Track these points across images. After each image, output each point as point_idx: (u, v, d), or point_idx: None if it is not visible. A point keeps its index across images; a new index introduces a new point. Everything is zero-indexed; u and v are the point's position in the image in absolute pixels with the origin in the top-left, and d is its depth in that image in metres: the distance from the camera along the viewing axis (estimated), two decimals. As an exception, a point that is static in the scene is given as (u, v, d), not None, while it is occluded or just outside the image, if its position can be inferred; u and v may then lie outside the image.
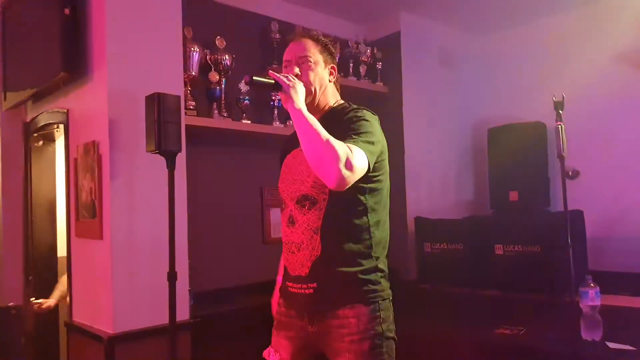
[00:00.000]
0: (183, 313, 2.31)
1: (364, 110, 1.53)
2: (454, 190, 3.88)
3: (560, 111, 2.09)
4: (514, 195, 3.42)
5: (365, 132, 1.43)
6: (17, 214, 2.92)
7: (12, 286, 2.92)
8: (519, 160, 3.47)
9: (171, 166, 2.08)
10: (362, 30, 3.72)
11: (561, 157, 2.07)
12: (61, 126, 2.61)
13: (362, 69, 3.52)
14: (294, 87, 1.44)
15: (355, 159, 1.34)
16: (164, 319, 2.07)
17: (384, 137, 1.53)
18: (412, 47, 3.65)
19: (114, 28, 2.25)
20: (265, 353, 1.62)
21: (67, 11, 2.27)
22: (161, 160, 2.08)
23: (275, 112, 3.07)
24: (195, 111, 2.67)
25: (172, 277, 2.05)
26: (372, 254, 1.50)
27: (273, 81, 1.45)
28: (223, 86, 2.82)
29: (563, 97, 2.12)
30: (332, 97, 1.62)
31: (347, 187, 1.35)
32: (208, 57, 2.78)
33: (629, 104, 3.35)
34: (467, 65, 4.02)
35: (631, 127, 3.36)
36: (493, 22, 3.82)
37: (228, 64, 2.81)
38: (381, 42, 3.68)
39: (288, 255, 1.56)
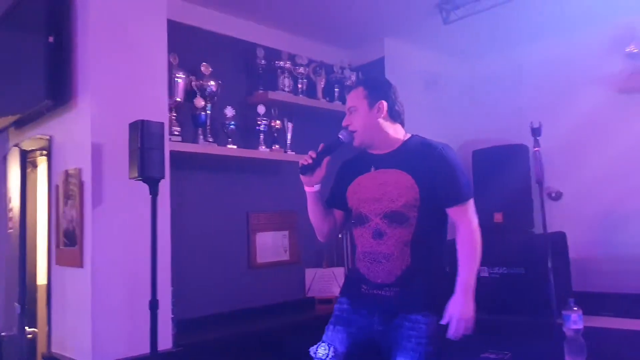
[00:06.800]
0: (166, 342, 2.27)
1: (444, 148, 1.77)
2: (439, 213, 3.90)
3: (538, 137, 2.13)
4: (498, 217, 3.44)
5: (460, 175, 1.75)
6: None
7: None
8: (502, 182, 3.51)
9: (154, 192, 2.07)
10: (347, 55, 3.78)
11: (540, 183, 2.10)
12: (44, 153, 2.60)
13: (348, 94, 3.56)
14: None
15: (478, 226, 1.76)
16: (146, 348, 2.03)
17: None
18: (396, 72, 3.69)
19: (98, 55, 2.26)
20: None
21: (51, 39, 2.28)
22: (144, 187, 2.08)
23: (261, 136, 3.08)
24: (180, 137, 2.68)
25: (153, 305, 2.03)
26: (443, 266, 1.76)
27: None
28: (208, 112, 2.83)
29: (540, 123, 2.17)
30: (394, 131, 1.83)
31: None
32: (193, 83, 2.81)
33: (608, 127, 3.42)
34: (451, 89, 4.09)
35: (610, 149, 3.42)
36: (477, 47, 3.90)
37: (214, 89, 2.84)
38: (366, 67, 3.74)
39: (371, 264, 1.73)
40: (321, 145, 1.81)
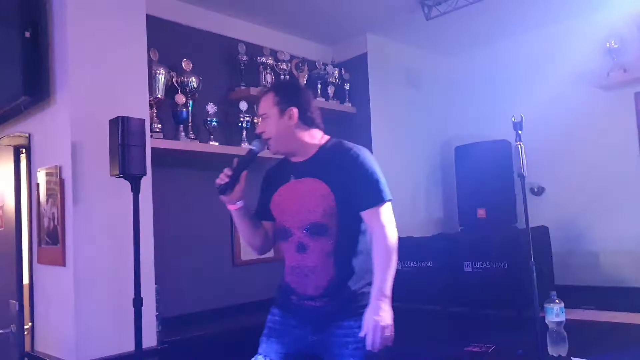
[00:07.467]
0: (150, 339, 2.25)
1: (356, 150, 1.70)
2: (423, 208, 3.93)
3: (520, 131, 2.14)
4: (481, 213, 3.48)
5: (372, 177, 1.67)
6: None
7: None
8: (485, 178, 3.55)
9: (136, 190, 2.05)
10: (329, 51, 3.78)
11: (521, 176, 2.11)
12: (23, 150, 2.54)
13: (330, 90, 3.56)
14: None
15: (394, 231, 1.66)
16: (130, 346, 2.01)
17: None
18: (379, 68, 3.72)
19: (76, 50, 2.22)
20: None
21: (27, 34, 2.23)
22: (126, 184, 2.05)
23: (244, 133, 3.07)
24: (162, 133, 2.65)
25: (137, 302, 2.01)
26: (370, 269, 1.66)
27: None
28: (190, 108, 2.81)
29: (522, 117, 2.18)
30: (310, 136, 1.76)
31: None
32: (174, 80, 2.78)
33: (588, 123, 3.47)
34: (434, 85, 4.12)
35: (591, 144, 3.48)
36: (459, 43, 3.94)
37: (195, 86, 2.81)
38: (349, 63, 3.74)
39: (299, 278, 1.70)
40: (235, 160, 1.73)
